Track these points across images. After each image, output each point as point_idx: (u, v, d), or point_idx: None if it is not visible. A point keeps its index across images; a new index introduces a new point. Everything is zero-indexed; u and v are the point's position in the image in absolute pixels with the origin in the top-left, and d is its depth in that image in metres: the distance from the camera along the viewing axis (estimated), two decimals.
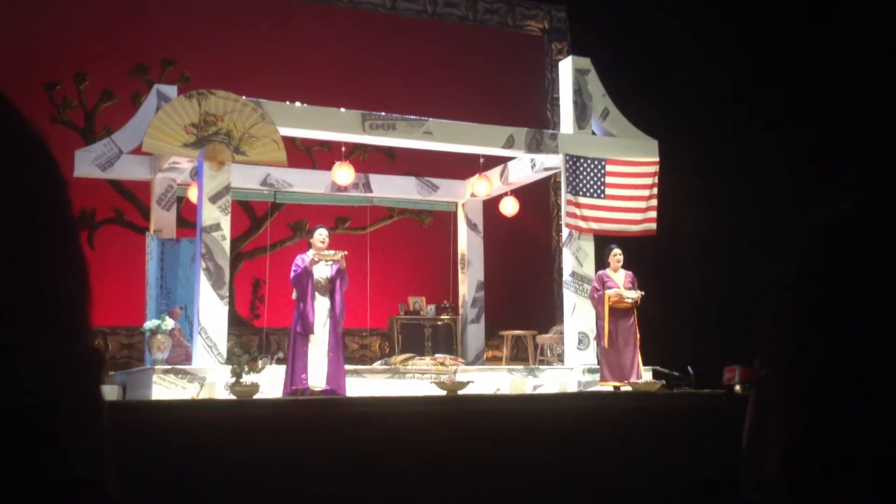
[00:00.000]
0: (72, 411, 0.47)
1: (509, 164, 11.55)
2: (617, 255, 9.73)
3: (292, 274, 8.62)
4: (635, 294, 9.49)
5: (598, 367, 10.08)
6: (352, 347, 12.58)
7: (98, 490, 0.48)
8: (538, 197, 13.41)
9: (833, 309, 0.56)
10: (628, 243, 10.29)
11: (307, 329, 8.44)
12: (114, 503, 0.49)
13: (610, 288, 9.56)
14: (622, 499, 4.11)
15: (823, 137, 10.68)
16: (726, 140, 11.59)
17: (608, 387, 9.49)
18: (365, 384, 9.16)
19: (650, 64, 12.28)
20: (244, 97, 9.31)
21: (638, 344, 9.50)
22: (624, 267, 9.76)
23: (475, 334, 12.19)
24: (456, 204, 12.54)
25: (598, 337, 9.62)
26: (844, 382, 0.54)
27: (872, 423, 0.52)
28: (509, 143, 10.53)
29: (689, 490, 4.07)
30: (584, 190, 10.54)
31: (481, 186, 11.60)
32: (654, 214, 10.68)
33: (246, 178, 10.74)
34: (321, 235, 8.75)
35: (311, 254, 8.66)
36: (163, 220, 10.49)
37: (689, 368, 9.74)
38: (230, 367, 8.06)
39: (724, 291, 11.03)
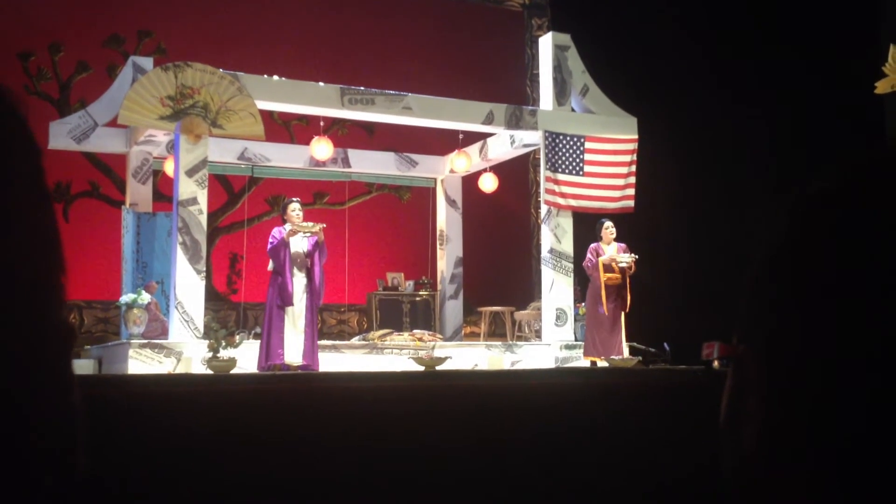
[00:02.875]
0: (41, 386, 0.46)
1: (489, 140, 11.53)
2: (609, 227, 9.74)
3: (269, 246, 8.56)
4: (628, 258, 9.48)
5: (575, 343, 10.14)
6: (329, 323, 12.58)
7: (68, 465, 0.48)
8: (517, 173, 13.41)
9: (811, 284, 0.56)
10: (615, 218, 10.28)
11: (287, 301, 8.40)
12: (81, 477, 0.49)
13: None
14: (599, 474, 4.15)
15: (802, 113, 10.74)
16: (705, 117, 11.62)
17: (588, 361, 9.55)
18: (343, 359, 9.17)
19: (630, 40, 12.27)
20: (221, 70, 9.22)
21: (622, 321, 9.49)
22: (616, 240, 9.78)
23: (453, 310, 12.21)
24: (435, 180, 12.52)
25: (596, 308, 9.54)
26: (822, 358, 0.54)
27: (850, 399, 0.53)
28: (489, 120, 10.51)
29: (666, 466, 4.12)
30: (563, 167, 10.55)
31: (460, 162, 11.58)
32: (632, 192, 10.70)
33: (223, 151, 10.66)
34: (296, 209, 8.69)
35: (288, 226, 8.60)
36: (139, 193, 10.41)
37: (665, 345, 9.82)
38: (207, 341, 8.04)
39: (702, 268, 11.11)
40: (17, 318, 0.45)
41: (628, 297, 9.49)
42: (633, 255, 9.51)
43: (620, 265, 9.45)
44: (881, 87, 9.20)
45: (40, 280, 0.47)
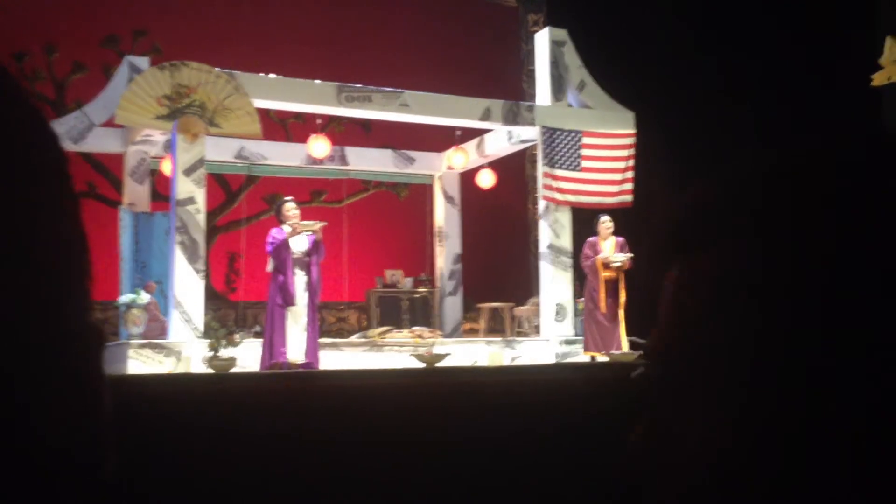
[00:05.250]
0: (70, 391, 0.46)
1: (486, 136, 11.52)
2: (605, 222, 9.74)
3: (269, 247, 8.56)
4: (622, 257, 9.49)
5: (574, 338, 10.14)
6: (329, 321, 12.58)
7: (98, 470, 0.48)
8: (515, 169, 13.40)
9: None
10: (613, 212, 10.25)
11: (289, 301, 8.40)
12: (112, 483, 0.49)
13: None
14: (599, 469, 4.15)
15: (798, 106, 10.74)
16: (702, 111, 11.61)
17: (588, 356, 9.55)
18: (342, 357, 9.17)
19: (626, 35, 12.26)
20: (217, 69, 9.20)
21: (621, 316, 9.49)
22: (614, 234, 9.77)
23: (452, 307, 12.21)
24: (432, 176, 12.51)
25: (595, 303, 9.55)
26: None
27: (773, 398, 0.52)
28: (486, 116, 10.50)
29: None
30: (561, 162, 10.55)
31: (458, 159, 11.57)
32: (629, 186, 10.70)
33: (220, 150, 10.65)
34: (292, 208, 8.70)
35: (288, 227, 8.60)
36: (136, 193, 10.39)
37: None
38: (207, 340, 8.03)
39: None
40: (46, 322, 0.46)
41: (622, 295, 9.49)
42: (628, 253, 9.52)
43: (614, 265, 9.46)
44: (877, 79, 9.20)
45: (69, 285, 0.47)
